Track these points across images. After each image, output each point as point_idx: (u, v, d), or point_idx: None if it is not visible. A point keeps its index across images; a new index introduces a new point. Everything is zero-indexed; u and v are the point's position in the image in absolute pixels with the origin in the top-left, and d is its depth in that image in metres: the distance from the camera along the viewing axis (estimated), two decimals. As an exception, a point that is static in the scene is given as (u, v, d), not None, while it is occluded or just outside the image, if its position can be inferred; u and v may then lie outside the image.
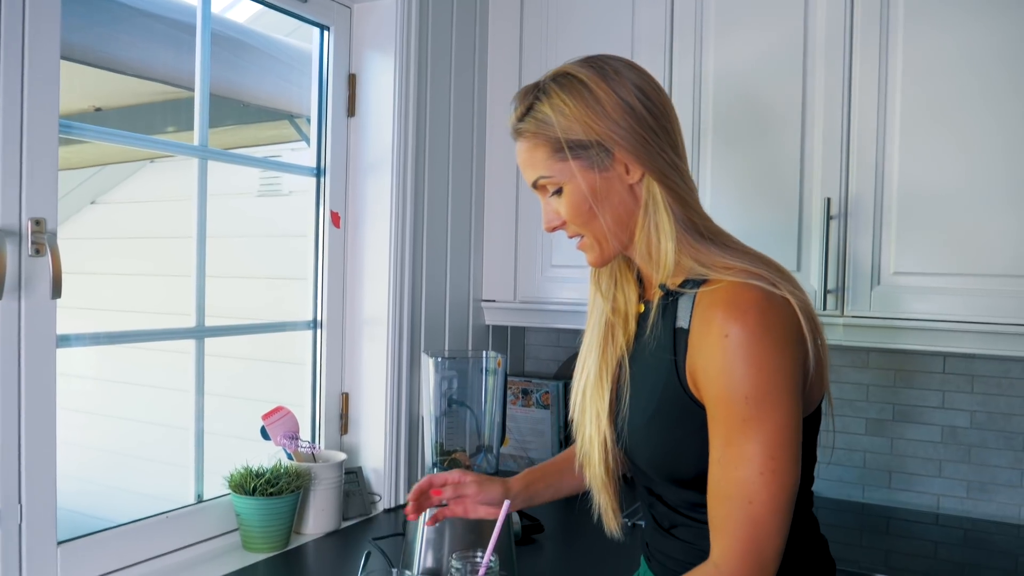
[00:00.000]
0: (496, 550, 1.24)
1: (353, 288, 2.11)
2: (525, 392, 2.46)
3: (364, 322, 2.09)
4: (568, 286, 2.30)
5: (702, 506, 1.09)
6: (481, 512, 1.37)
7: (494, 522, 1.40)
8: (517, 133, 1.19)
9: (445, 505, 1.37)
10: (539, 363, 2.76)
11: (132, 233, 3.86)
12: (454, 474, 1.36)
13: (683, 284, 1.12)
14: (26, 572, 1.38)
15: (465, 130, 2.34)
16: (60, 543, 1.44)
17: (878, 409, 2.26)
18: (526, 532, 1.82)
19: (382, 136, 2.08)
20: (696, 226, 1.13)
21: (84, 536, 1.49)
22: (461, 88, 2.30)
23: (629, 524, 1.95)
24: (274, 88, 2.52)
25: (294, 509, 1.74)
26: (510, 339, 2.66)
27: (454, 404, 1.58)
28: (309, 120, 2.14)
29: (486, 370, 1.55)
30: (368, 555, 1.24)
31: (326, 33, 2.09)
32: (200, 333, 1.78)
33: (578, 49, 2.29)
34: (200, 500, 1.77)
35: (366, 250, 2.09)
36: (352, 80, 2.12)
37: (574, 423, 1.29)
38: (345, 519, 1.93)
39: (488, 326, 2.49)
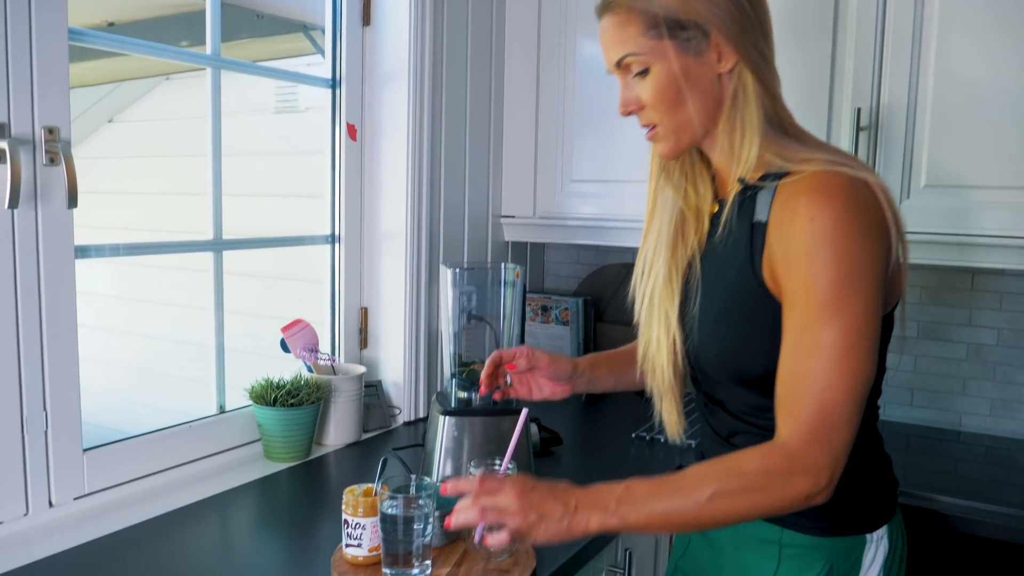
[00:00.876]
0: (514, 459, 1.24)
1: (371, 202, 2.09)
2: (544, 308, 2.44)
3: (382, 237, 2.07)
4: (589, 201, 2.27)
5: (764, 410, 1.09)
6: (547, 391, 1.34)
7: (511, 432, 1.41)
8: (607, 7, 1.12)
9: (509, 386, 1.35)
10: (559, 280, 2.74)
11: (150, 151, 3.84)
12: (523, 348, 1.32)
13: (762, 178, 1.09)
14: (53, 478, 1.40)
15: (484, 38, 2.28)
16: (86, 450, 1.46)
17: (902, 326, 2.22)
18: (544, 444, 1.83)
19: (398, 45, 2.02)
20: (782, 121, 1.10)
21: (109, 444, 1.51)
22: (480, -4, 2.24)
23: (647, 438, 1.96)
24: (288, -2, 2.46)
25: (315, 420, 1.76)
26: (529, 256, 2.63)
27: (473, 319, 1.57)
28: (323, 31, 2.09)
29: (504, 282, 1.54)
30: (385, 461, 1.24)
31: (340, -63, 2.02)
32: (218, 246, 1.77)
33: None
34: (222, 411, 1.79)
35: (383, 163, 2.06)
36: (367, -13, 2.06)
37: (640, 326, 1.24)
38: (365, 431, 1.95)
39: (507, 242, 2.47)
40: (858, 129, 1.91)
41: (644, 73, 1.10)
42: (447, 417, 1.45)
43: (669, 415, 1.24)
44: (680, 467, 1.38)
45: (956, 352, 2.18)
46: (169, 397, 3.32)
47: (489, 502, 1.00)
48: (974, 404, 2.17)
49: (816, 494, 0.97)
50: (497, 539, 1.00)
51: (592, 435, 2.03)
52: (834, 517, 1.12)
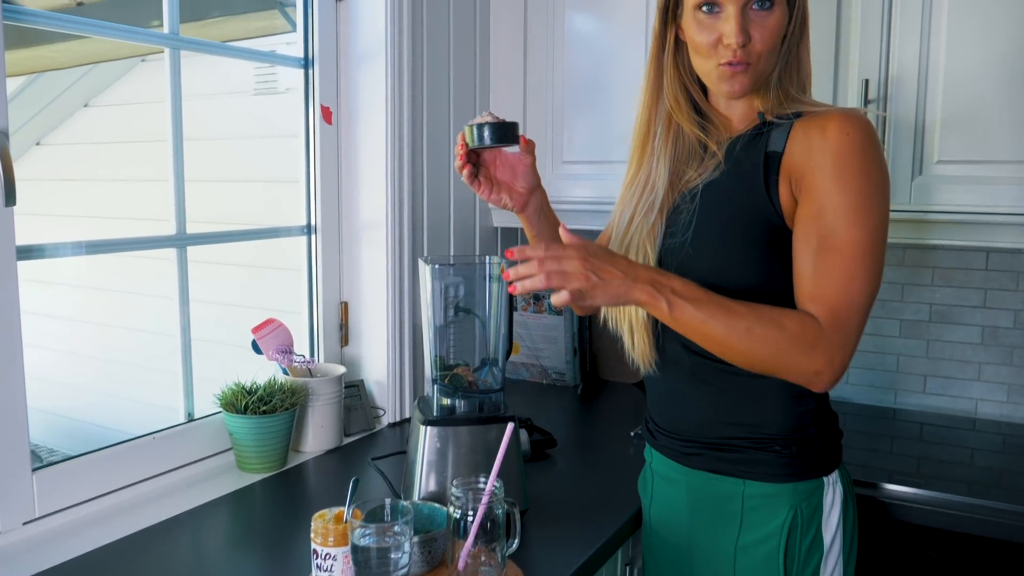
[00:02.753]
0: (501, 474, 1.13)
1: (349, 190, 1.96)
2: (536, 298, 2.33)
3: (362, 226, 1.95)
4: (582, 183, 2.15)
5: None
6: (503, 194, 1.35)
7: (499, 442, 1.30)
8: None
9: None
10: (552, 266, 2.62)
11: (128, 136, 3.71)
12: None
13: (778, 118, 1.18)
14: None
15: (467, 11, 2.14)
16: (35, 470, 1.34)
17: (913, 309, 2.12)
18: (538, 447, 1.72)
19: (375, 21, 1.89)
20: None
21: (61, 462, 1.40)
22: (461, -34, 2.10)
23: (632, 435, 1.86)
24: (257, -28, 2.32)
25: (290, 427, 1.64)
26: (520, 242, 2.51)
27: (460, 311, 1.45)
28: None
29: (489, 277, 1.41)
30: (356, 482, 1.13)
31: (308, -95, 1.88)
32: (181, 241, 1.65)
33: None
34: (191, 418, 1.67)
35: (361, 148, 1.93)
36: (340, -41, 1.92)
37: (616, 243, 1.30)
38: (347, 435, 1.84)
39: (496, 228, 2.34)
40: (866, 101, 1.80)
41: (770, 8, 1.14)
42: (429, 427, 1.34)
43: (641, 343, 1.28)
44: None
45: (971, 336, 2.07)
46: (140, 389, 3.22)
47: (554, 266, 1.06)
48: (990, 390, 2.06)
49: (823, 374, 1.08)
50: (559, 298, 1.06)
51: (588, 435, 1.92)
52: (795, 462, 1.19)
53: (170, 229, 1.64)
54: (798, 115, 1.16)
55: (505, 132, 1.26)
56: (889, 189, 1.12)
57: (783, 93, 1.20)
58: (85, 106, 3.96)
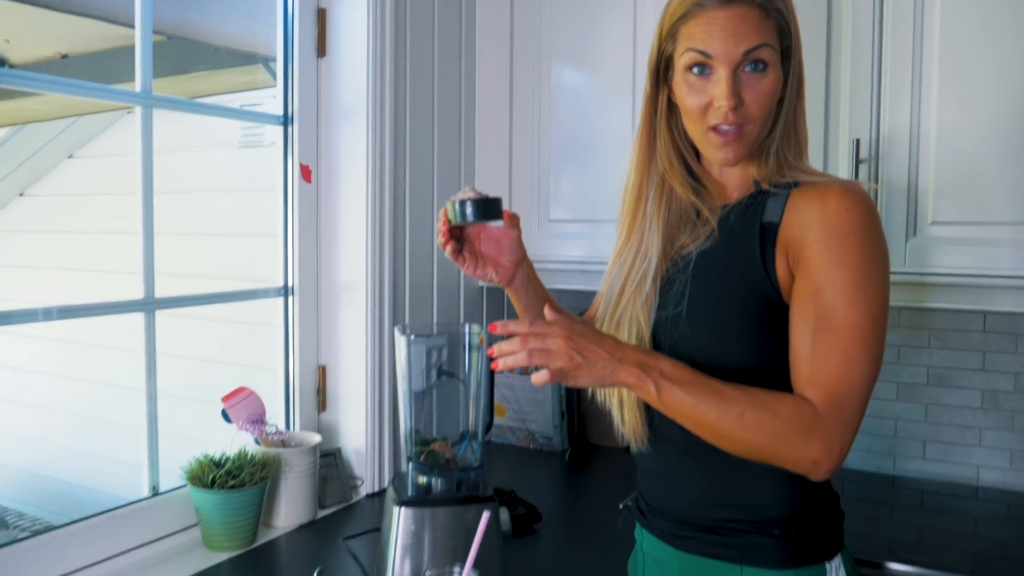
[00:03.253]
0: (479, 561, 1.06)
1: (328, 250, 1.90)
2: (523, 358, 2.26)
3: (341, 288, 1.89)
4: (569, 243, 2.09)
5: None
6: (489, 268, 1.31)
7: (478, 525, 1.23)
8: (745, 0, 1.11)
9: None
10: (539, 324, 2.55)
11: (112, 188, 3.67)
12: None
13: (774, 186, 1.15)
14: (-56, 589, 1.21)
15: (451, 70, 2.10)
16: (-14, 553, 1.26)
17: (911, 372, 2.05)
18: (524, 521, 1.64)
19: (356, 78, 1.85)
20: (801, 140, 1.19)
21: (11, 544, 1.31)
22: (445, 20, 2.07)
23: (622, 507, 1.78)
24: (238, 27, 2.29)
25: (260, 502, 1.56)
26: (506, 302, 2.45)
27: (444, 375, 1.38)
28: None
29: (468, 346, 1.35)
30: (320, 573, 1.05)
31: (289, -38, 1.85)
32: (149, 305, 1.58)
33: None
34: (155, 492, 1.59)
35: (341, 207, 1.88)
36: (322, 15, 1.89)
37: (603, 320, 1.25)
38: (322, 507, 1.75)
39: (481, 288, 2.28)
40: (857, 161, 1.76)
41: (764, 70, 1.10)
42: (403, 508, 1.26)
43: (631, 418, 1.23)
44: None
45: (970, 400, 2.01)
46: (111, 445, 3.12)
47: (537, 344, 1.04)
48: (992, 456, 1.99)
49: (821, 463, 1.02)
50: (539, 377, 1.04)
51: (575, 506, 1.84)
52: (796, 547, 1.13)
53: (140, 286, 1.58)
54: (795, 184, 1.12)
55: (488, 208, 1.20)
56: (889, 265, 1.08)
57: (780, 160, 1.15)
58: (70, 157, 3.92)
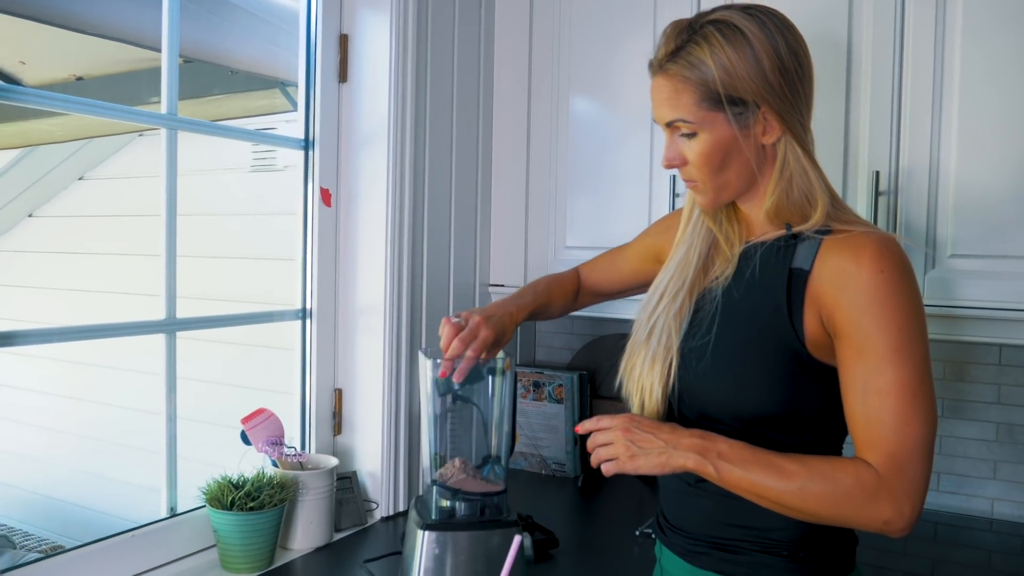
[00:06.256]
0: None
1: (346, 274, 1.91)
2: (537, 385, 2.26)
3: (359, 312, 1.89)
4: (584, 269, 2.10)
5: None
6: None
7: (502, 548, 1.23)
8: (662, 70, 1.15)
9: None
10: (551, 352, 2.56)
11: (122, 210, 3.68)
12: (481, 330, 1.33)
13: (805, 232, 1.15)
14: (-36, 608, 1.20)
15: (470, 96, 2.12)
16: (4, 572, 1.25)
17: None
18: (541, 547, 1.63)
19: (377, 104, 1.86)
20: (827, 183, 1.17)
21: (33, 562, 1.31)
22: (465, 49, 2.09)
23: (638, 533, 1.78)
24: (260, 52, 2.31)
25: (278, 524, 1.55)
26: (520, 327, 2.46)
27: (459, 400, 1.39)
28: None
29: (493, 371, 1.35)
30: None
31: (314, -11, 1.87)
32: (170, 326, 1.58)
33: (595, 1, 2.08)
34: (173, 514, 1.58)
35: (360, 231, 1.89)
36: (344, 41, 1.90)
37: (633, 346, 1.27)
38: (338, 530, 1.75)
39: (496, 313, 2.28)
40: (877, 194, 1.77)
41: (692, 136, 1.14)
42: (427, 532, 1.26)
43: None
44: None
45: (985, 432, 2.01)
46: (122, 468, 3.11)
47: (601, 438, 1.15)
48: (1007, 489, 1.98)
49: (894, 523, 1.03)
50: (606, 468, 1.14)
51: (591, 532, 1.83)
52: (804, 568, 1.15)
53: (161, 307, 1.58)
54: (828, 231, 1.12)
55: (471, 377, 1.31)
56: (925, 318, 1.08)
57: (788, 201, 1.15)
58: (80, 179, 3.94)
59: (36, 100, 1.38)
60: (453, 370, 1.29)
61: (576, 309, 1.62)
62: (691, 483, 1.21)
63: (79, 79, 3.21)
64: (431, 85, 1.98)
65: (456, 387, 1.28)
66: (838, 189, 1.78)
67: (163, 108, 1.59)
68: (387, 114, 1.85)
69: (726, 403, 1.16)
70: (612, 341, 2.37)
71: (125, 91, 3.25)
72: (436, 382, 1.30)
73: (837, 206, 1.16)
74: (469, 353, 1.28)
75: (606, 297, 1.61)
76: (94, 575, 1.39)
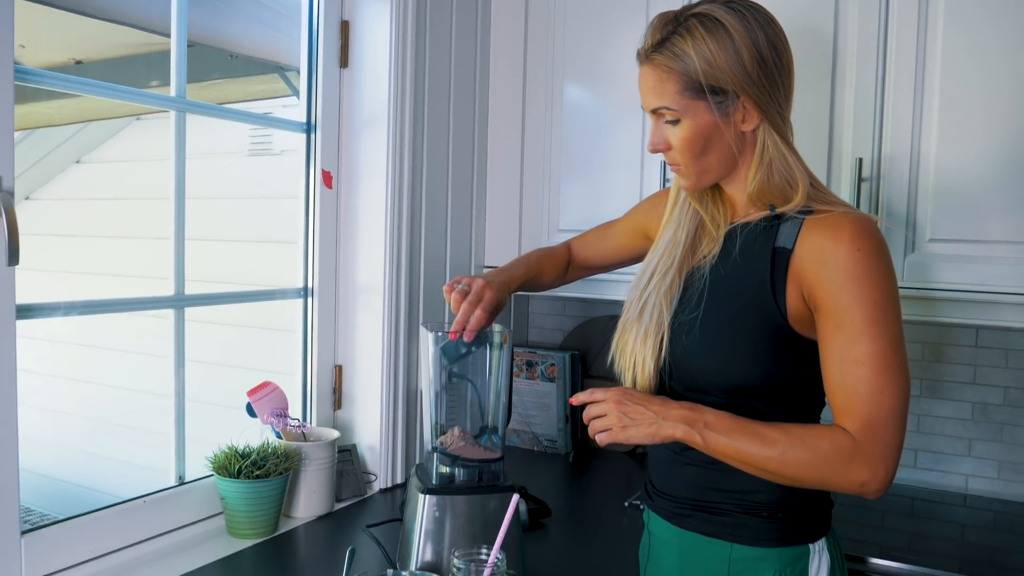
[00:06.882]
0: (502, 546, 1.12)
1: (346, 253, 1.97)
2: (530, 364, 2.32)
3: (358, 290, 1.95)
4: (576, 252, 2.16)
5: None
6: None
7: (498, 512, 1.29)
8: (648, 60, 1.21)
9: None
10: (543, 333, 2.62)
11: (119, 193, 3.72)
12: (485, 291, 1.39)
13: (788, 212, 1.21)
14: (-14, 565, 1.26)
15: (467, 82, 2.18)
16: (25, 533, 1.32)
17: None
18: (533, 517, 1.70)
19: (377, 89, 1.92)
20: (806, 168, 1.24)
21: (51, 525, 1.37)
22: (462, 35, 2.14)
23: (627, 504, 1.85)
24: (261, 37, 2.36)
25: (282, 492, 1.62)
26: (513, 307, 2.52)
27: (455, 378, 1.45)
28: (299, 72, 1.98)
29: (491, 344, 1.41)
30: (352, 552, 1.11)
31: (316, -24, 1.92)
32: (179, 302, 1.64)
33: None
34: (182, 482, 1.64)
35: (360, 212, 1.95)
36: (345, 27, 1.96)
37: (625, 323, 1.34)
38: (338, 500, 1.81)
39: (491, 294, 2.34)
40: (860, 179, 1.83)
41: (675, 122, 1.21)
42: (428, 496, 1.32)
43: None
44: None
45: (961, 411, 2.08)
46: (130, 450, 3.16)
47: (595, 410, 1.22)
48: (981, 466, 2.06)
49: (869, 485, 1.09)
50: (599, 438, 1.21)
51: (582, 504, 1.91)
52: (781, 528, 1.22)
53: (159, 288, 1.64)
54: (810, 211, 1.18)
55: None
56: (898, 293, 1.14)
57: (769, 184, 1.22)
58: (77, 162, 3.97)
59: (59, 83, 1.44)
60: (461, 337, 1.35)
61: (567, 282, 1.68)
62: (677, 452, 1.28)
63: (78, 63, 3.25)
64: (429, 72, 2.03)
65: (465, 349, 1.33)
66: (822, 175, 1.85)
67: (172, 91, 1.64)
68: (387, 99, 1.91)
69: (713, 374, 1.22)
70: (603, 322, 2.43)
71: (124, 75, 3.28)
72: (444, 349, 1.36)
73: (818, 188, 1.22)
74: (479, 313, 1.33)
75: (595, 271, 1.67)
76: (108, 538, 1.45)
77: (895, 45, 1.80)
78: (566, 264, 1.65)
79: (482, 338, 1.38)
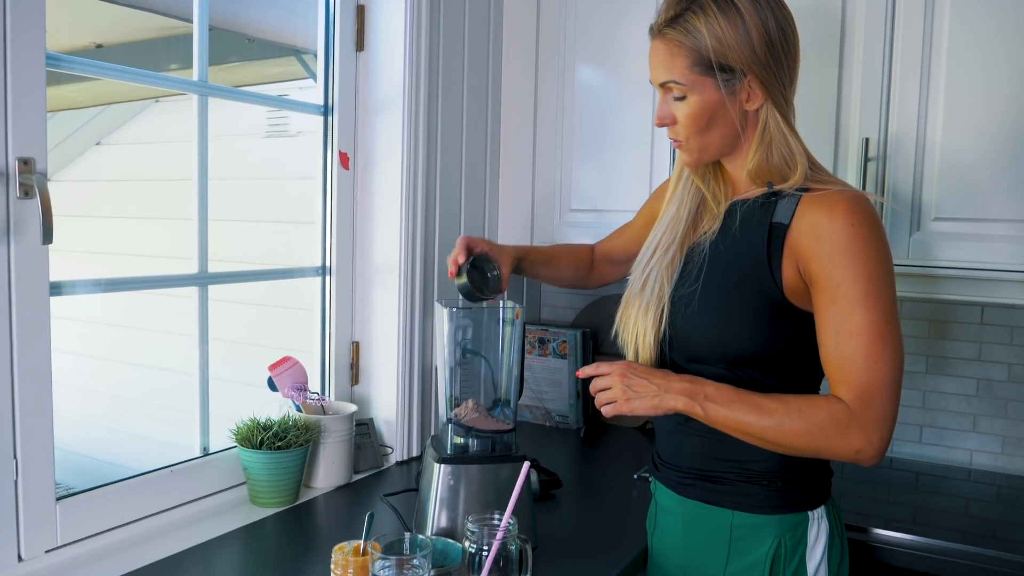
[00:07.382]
0: (514, 512, 1.17)
1: (363, 233, 2.02)
2: (542, 341, 2.37)
3: (375, 268, 2.00)
4: (588, 231, 2.21)
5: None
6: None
7: (510, 481, 1.35)
8: (660, 34, 1.25)
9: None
10: (555, 311, 2.67)
11: (139, 175, 3.77)
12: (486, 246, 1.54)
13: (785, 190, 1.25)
14: (23, 530, 1.32)
15: (480, 65, 2.22)
16: (59, 499, 1.38)
17: (911, 361, 2.17)
18: (544, 487, 1.75)
19: (393, 72, 1.96)
20: (805, 148, 1.28)
21: (84, 492, 1.43)
22: (476, 19, 2.18)
23: (636, 477, 1.90)
24: (278, 21, 2.40)
25: (303, 463, 1.68)
26: (526, 286, 2.57)
27: (468, 354, 1.50)
28: (316, 56, 2.03)
29: (503, 320, 1.47)
30: (371, 516, 1.17)
31: (333, -39, 1.96)
32: (203, 280, 1.70)
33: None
34: (206, 453, 1.70)
35: (376, 193, 1.99)
36: (361, 11, 2.00)
37: (629, 296, 1.40)
38: (356, 472, 1.87)
39: (504, 272, 2.39)
40: (866, 159, 1.86)
41: (682, 98, 1.24)
42: (443, 465, 1.38)
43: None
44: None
45: (966, 388, 2.12)
46: (155, 428, 3.23)
47: (601, 383, 1.27)
48: (985, 441, 2.10)
49: (864, 452, 1.13)
50: (605, 410, 1.26)
51: (592, 476, 1.96)
52: (780, 495, 1.26)
53: (180, 267, 1.69)
54: (806, 189, 1.22)
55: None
56: (892, 266, 1.18)
57: (768, 162, 1.26)
58: (97, 144, 4.02)
59: (82, 68, 1.49)
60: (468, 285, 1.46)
61: (594, 279, 1.74)
62: (681, 423, 1.33)
63: (99, 46, 3.29)
64: (443, 55, 2.07)
65: (475, 294, 1.45)
66: (829, 154, 1.89)
67: (194, 75, 1.69)
68: (402, 82, 1.95)
69: (711, 345, 1.26)
70: (613, 302, 2.45)
71: (144, 58, 3.33)
72: (458, 288, 1.46)
73: (815, 168, 1.26)
74: (456, 249, 1.47)
75: (620, 263, 1.71)
76: (136, 506, 1.52)
77: (902, 27, 1.82)
78: (588, 257, 1.71)
79: (483, 281, 1.48)
